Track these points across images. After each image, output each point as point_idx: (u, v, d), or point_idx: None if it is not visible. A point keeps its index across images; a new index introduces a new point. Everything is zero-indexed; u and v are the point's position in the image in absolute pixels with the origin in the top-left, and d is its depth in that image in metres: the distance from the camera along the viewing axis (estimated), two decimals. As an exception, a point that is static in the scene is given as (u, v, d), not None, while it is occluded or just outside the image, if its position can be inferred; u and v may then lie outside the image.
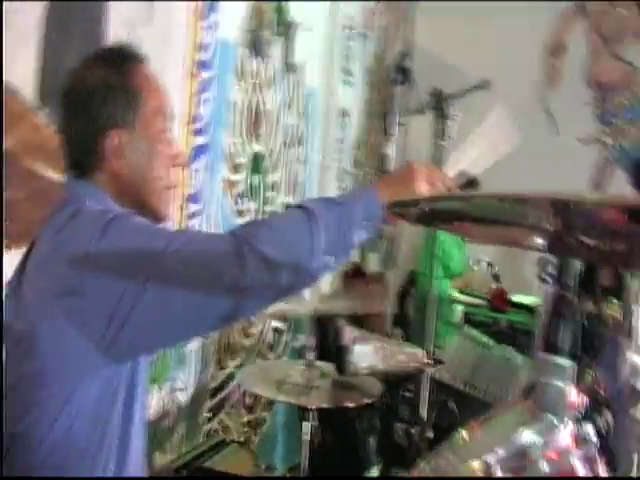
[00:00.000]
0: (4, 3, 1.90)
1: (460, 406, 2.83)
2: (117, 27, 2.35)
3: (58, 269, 1.29)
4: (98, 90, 1.42)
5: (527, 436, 1.21)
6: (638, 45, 5.61)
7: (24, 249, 1.97)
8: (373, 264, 5.06)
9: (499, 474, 1.10)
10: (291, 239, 1.30)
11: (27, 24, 2.02)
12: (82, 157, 1.44)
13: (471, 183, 1.63)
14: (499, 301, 4.22)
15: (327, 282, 4.04)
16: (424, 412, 2.56)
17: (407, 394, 3.07)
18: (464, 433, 1.42)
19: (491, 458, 1.17)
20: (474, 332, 3.37)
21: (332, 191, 4.51)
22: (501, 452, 1.16)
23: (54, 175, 2.14)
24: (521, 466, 1.17)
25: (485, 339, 3.28)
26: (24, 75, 2.02)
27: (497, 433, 1.38)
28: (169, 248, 1.27)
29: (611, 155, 5.68)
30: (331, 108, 4.42)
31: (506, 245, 1.25)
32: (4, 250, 1.99)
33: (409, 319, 5.25)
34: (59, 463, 1.31)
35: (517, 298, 4.31)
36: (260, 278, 1.26)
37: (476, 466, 1.14)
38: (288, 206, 1.53)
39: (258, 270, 1.25)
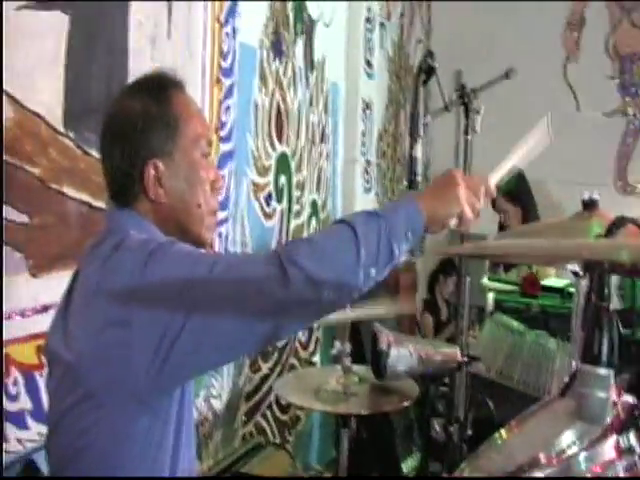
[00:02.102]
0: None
1: (495, 398, 2.81)
2: (139, 44, 2.36)
3: (104, 301, 1.31)
4: (137, 120, 1.43)
5: (568, 440, 1.21)
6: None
7: (55, 274, 2.01)
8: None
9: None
10: (333, 254, 1.29)
11: (49, 48, 2.02)
12: (123, 187, 1.46)
13: None
14: (530, 286, 4.17)
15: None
16: (461, 409, 2.55)
17: (443, 389, 3.06)
18: (504, 433, 1.42)
19: (539, 473, 1.18)
20: (505, 318, 3.35)
21: (358, 185, 4.50)
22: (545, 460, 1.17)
23: (84, 198, 2.16)
24: None
25: (517, 325, 3.26)
26: (50, 99, 2.03)
27: (537, 435, 1.38)
28: (212, 274, 1.28)
29: (635, 125, 5.62)
30: (354, 101, 4.40)
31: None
32: (36, 276, 2.01)
33: (439, 305, 5.25)
34: None
35: (548, 282, 4.26)
36: (304, 295, 1.26)
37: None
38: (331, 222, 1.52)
39: (302, 287, 1.25)
